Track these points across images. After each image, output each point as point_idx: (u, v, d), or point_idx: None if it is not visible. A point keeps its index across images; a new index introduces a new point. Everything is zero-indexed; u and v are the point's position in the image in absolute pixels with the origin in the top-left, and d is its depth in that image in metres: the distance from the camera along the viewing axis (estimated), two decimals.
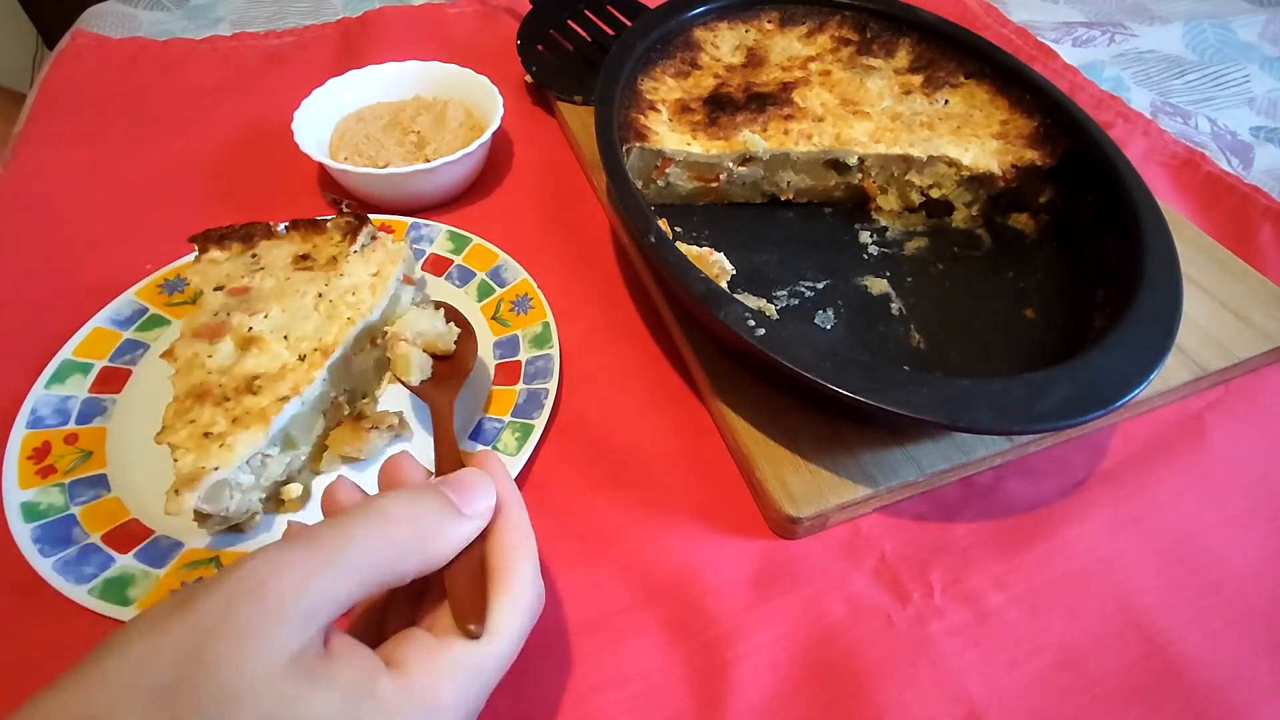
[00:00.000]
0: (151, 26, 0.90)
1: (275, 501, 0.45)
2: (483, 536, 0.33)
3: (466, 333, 0.49)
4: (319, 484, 0.46)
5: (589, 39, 0.81)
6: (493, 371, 0.52)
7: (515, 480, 0.46)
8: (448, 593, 0.31)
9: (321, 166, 0.63)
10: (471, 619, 0.30)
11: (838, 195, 0.62)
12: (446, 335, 0.47)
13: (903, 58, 0.66)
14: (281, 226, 0.53)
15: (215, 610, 0.25)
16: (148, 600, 0.40)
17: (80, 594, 0.40)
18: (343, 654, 0.27)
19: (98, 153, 0.71)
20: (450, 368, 0.47)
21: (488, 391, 0.51)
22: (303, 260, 0.51)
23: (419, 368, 0.46)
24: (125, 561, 0.41)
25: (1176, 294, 0.46)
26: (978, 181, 0.59)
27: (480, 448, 0.47)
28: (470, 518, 0.32)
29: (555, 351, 0.52)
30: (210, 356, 0.45)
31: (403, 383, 0.45)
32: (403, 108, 0.70)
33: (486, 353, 0.53)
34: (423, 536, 0.30)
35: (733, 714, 0.39)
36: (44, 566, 0.40)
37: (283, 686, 0.25)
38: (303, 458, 0.46)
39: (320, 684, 0.26)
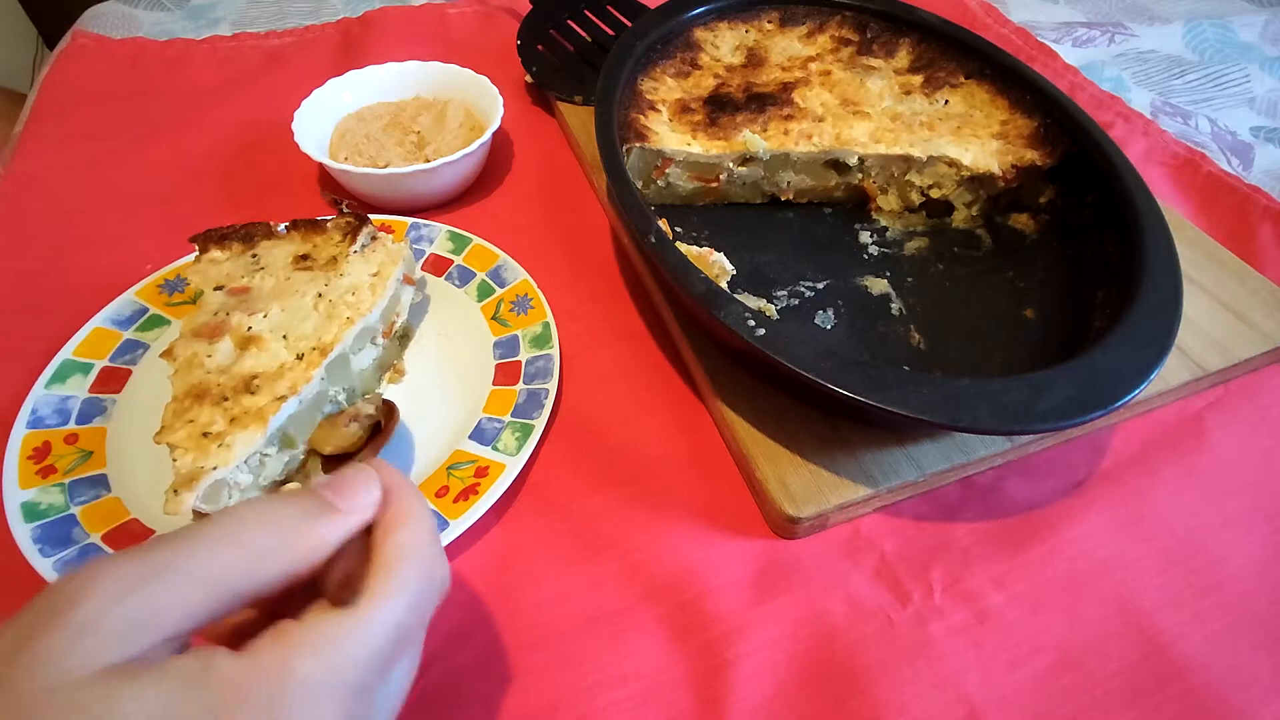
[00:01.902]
0: (151, 26, 0.91)
1: None
2: (369, 528, 0.31)
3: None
4: (317, 484, 0.46)
5: (589, 39, 0.81)
6: (493, 371, 0.52)
7: (516, 480, 0.46)
8: (321, 582, 0.29)
9: (321, 166, 0.63)
10: (343, 591, 0.28)
11: (838, 195, 0.62)
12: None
13: (903, 58, 0.66)
14: (282, 226, 0.53)
15: (16, 635, 0.23)
16: None
17: None
18: (184, 655, 0.25)
19: (98, 153, 0.71)
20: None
21: (486, 391, 0.51)
22: (303, 260, 0.51)
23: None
24: None
25: (1176, 294, 0.46)
26: (978, 182, 0.59)
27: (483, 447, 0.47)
28: (346, 512, 0.29)
29: (555, 351, 0.52)
30: (209, 356, 0.45)
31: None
32: (403, 108, 0.70)
33: (486, 353, 0.53)
34: (284, 538, 0.27)
35: (733, 714, 0.39)
36: (44, 566, 0.40)
37: (89, 689, 0.22)
38: (301, 457, 0.46)
39: (139, 680, 0.23)
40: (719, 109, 0.60)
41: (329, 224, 0.53)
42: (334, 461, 0.45)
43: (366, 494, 0.30)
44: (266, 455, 0.43)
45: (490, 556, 0.44)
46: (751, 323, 0.42)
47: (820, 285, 0.56)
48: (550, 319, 0.53)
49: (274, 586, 0.27)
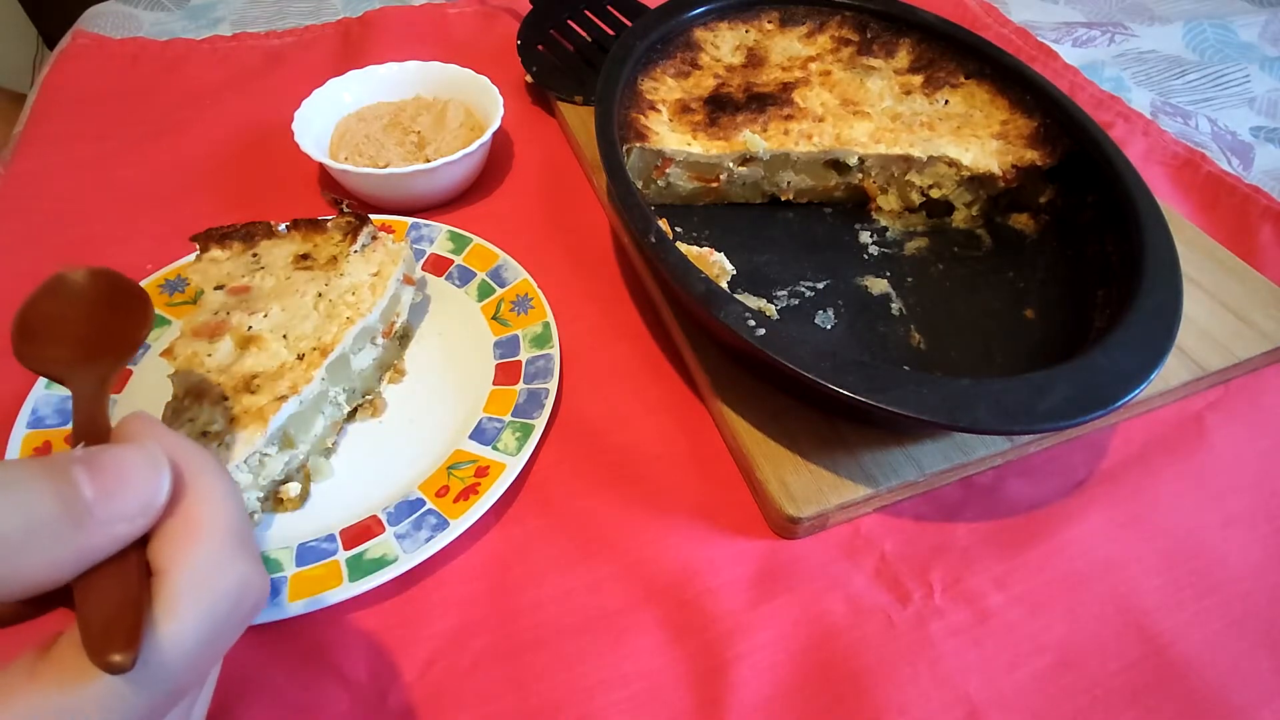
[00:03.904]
0: (152, 26, 0.91)
1: (274, 500, 0.45)
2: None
3: (129, 304, 0.33)
4: (318, 485, 0.47)
5: (589, 39, 0.81)
6: (493, 371, 0.52)
7: (516, 480, 0.46)
8: (77, 616, 0.22)
9: (322, 166, 0.63)
10: (114, 645, 0.21)
11: (838, 195, 0.62)
12: None
13: (903, 58, 0.66)
14: (282, 226, 0.53)
15: None
16: None
17: None
18: None
19: (98, 153, 0.71)
20: (103, 340, 0.32)
21: (487, 391, 0.51)
22: (303, 260, 0.51)
23: None
24: None
25: (1176, 294, 0.46)
26: (978, 181, 0.59)
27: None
28: (106, 522, 0.22)
29: (555, 351, 0.52)
30: (209, 355, 0.45)
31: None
32: (403, 108, 0.70)
33: (487, 352, 0.53)
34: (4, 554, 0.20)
35: (733, 714, 0.39)
36: None
37: None
38: (301, 457, 0.46)
39: None
40: (719, 109, 0.60)
41: (329, 224, 0.53)
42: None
43: (143, 494, 0.22)
44: (266, 455, 0.43)
45: (490, 556, 0.44)
46: (751, 323, 0.42)
47: (820, 285, 0.56)
48: (550, 319, 0.54)
49: None
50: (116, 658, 0.21)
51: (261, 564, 0.25)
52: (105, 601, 0.22)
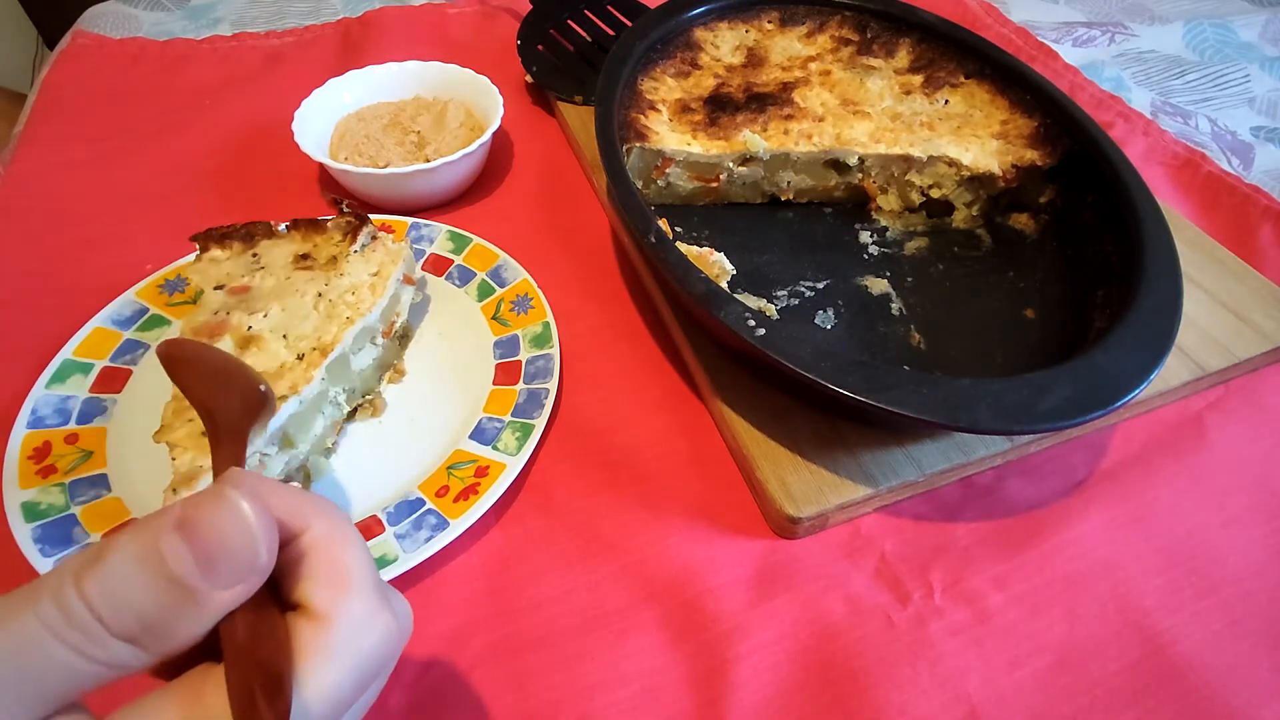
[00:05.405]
0: (152, 27, 0.91)
1: None
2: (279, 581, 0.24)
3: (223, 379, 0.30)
4: (318, 485, 0.47)
5: (589, 39, 0.81)
6: (493, 371, 0.52)
7: (516, 480, 0.46)
8: (227, 685, 0.22)
9: (322, 166, 0.63)
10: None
11: (838, 195, 0.62)
12: None
13: (903, 58, 0.66)
14: (282, 226, 0.53)
15: None
16: None
17: None
18: None
19: (98, 153, 0.71)
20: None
21: (487, 391, 0.51)
22: (303, 260, 0.51)
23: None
24: None
25: (1176, 294, 0.46)
26: (978, 181, 0.59)
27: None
28: (213, 593, 0.21)
29: (555, 351, 0.52)
30: None
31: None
32: (403, 108, 0.70)
33: (487, 352, 0.53)
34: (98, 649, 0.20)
35: (733, 714, 0.39)
36: (45, 566, 0.40)
37: None
38: (301, 457, 0.46)
39: None
40: (719, 109, 0.60)
41: (329, 224, 0.53)
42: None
43: (247, 562, 0.22)
44: (266, 455, 0.43)
45: (490, 556, 0.44)
46: (751, 323, 0.42)
47: (820, 285, 0.56)
48: (550, 319, 0.54)
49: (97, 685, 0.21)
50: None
51: (396, 608, 0.26)
52: (248, 670, 0.21)
